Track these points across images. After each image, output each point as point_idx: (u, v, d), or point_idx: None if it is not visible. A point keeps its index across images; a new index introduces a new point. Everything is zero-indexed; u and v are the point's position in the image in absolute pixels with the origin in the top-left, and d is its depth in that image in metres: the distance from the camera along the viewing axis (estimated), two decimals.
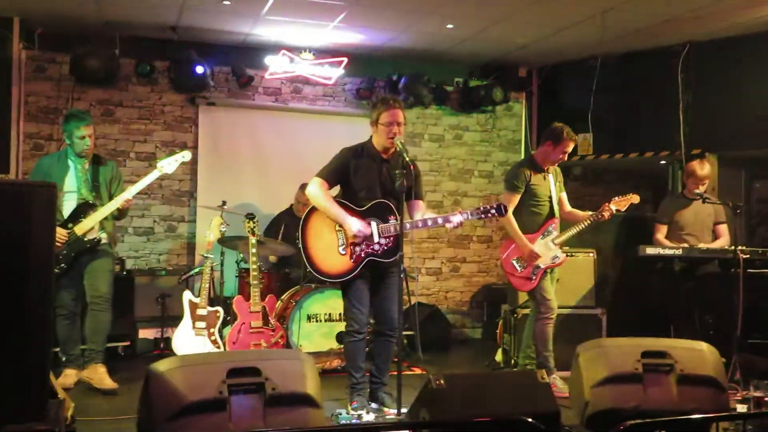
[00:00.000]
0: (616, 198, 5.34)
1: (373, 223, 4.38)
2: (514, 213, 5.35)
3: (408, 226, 4.36)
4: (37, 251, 2.78)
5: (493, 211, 4.40)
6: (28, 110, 6.96)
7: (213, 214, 6.24)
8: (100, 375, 5.06)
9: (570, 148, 5.37)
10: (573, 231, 5.36)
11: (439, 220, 4.39)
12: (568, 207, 5.57)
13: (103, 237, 5.13)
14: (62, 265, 4.97)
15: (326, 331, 5.91)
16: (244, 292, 5.99)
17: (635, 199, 5.36)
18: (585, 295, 6.05)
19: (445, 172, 8.29)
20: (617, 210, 5.31)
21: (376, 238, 4.37)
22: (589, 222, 5.33)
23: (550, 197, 5.39)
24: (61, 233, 4.91)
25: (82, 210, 5.05)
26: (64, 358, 5.15)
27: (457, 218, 4.34)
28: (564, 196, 5.59)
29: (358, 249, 4.38)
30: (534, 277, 5.29)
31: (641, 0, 5.88)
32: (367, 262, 4.39)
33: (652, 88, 7.40)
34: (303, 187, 6.79)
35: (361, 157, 4.49)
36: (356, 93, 7.87)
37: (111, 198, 5.18)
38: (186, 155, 5.39)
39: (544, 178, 5.41)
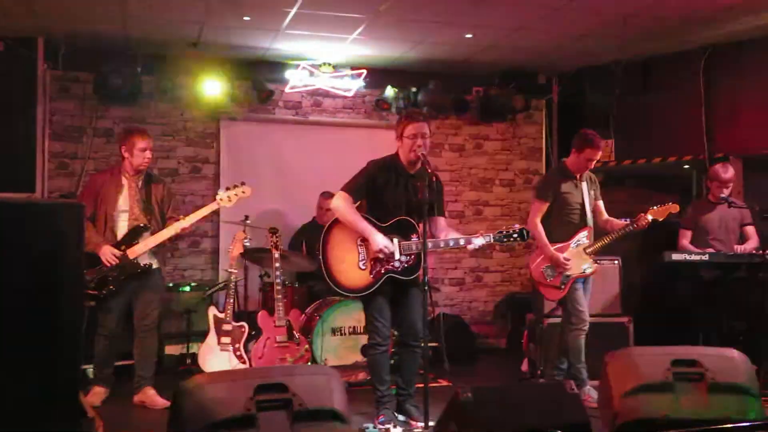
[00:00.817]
0: (654, 207, 5.20)
1: (395, 240, 4.37)
2: (545, 221, 5.33)
3: (430, 245, 4.33)
4: (67, 268, 2.81)
5: (515, 235, 4.40)
6: (53, 129, 7.05)
7: (236, 228, 6.27)
8: (151, 397, 5.15)
9: (595, 156, 5.27)
10: (606, 240, 5.27)
11: (461, 242, 4.41)
12: (605, 215, 5.47)
13: (154, 263, 5.15)
14: (111, 287, 4.98)
15: (351, 344, 5.91)
16: (268, 307, 6.00)
17: (674, 208, 5.22)
18: (611, 303, 5.99)
19: (466, 181, 8.27)
20: (654, 219, 5.17)
21: (397, 255, 4.36)
22: (624, 231, 5.23)
23: (583, 205, 5.32)
24: (113, 253, 4.93)
25: (136, 233, 5.05)
26: (95, 376, 5.18)
27: (479, 241, 4.36)
28: (601, 204, 5.51)
29: (378, 265, 4.38)
30: (563, 287, 5.24)
31: (661, 4, 5.84)
32: (386, 279, 4.38)
33: (674, 92, 7.34)
34: (325, 194, 6.83)
35: (387, 172, 4.48)
36: (376, 104, 7.89)
37: (163, 218, 5.20)
38: (246, 191, 5.33)
39: (576, 185, 5.34)
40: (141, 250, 5.01)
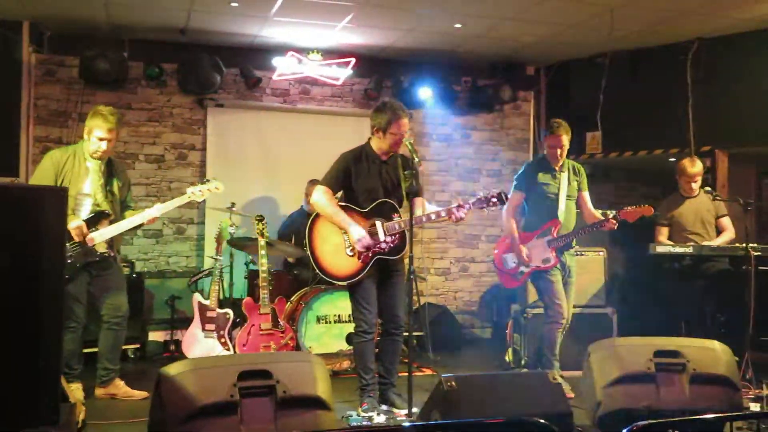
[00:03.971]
0: (628, 208, 5.15)
1: (378, 223, 4.40)
2: (526, 211, 5.37)
3: (414, 222, 4.36)
4: (49, 255, 2.79)
5: (494, 199, 4.42)
6: (37, 113, 7.00)
7: (221, 215, 6.25)
8: (123, 389, 4.93)
9: (554, 142, 5.23)
10: (570, 237, 5.26)
11: (443, 213, 4.41)
12: (589, 207, 5.42)
13: (111, 252, 4.86)
14: (66, 276, 4.61)
15: (336, 332, 5.90)
16: (253, 294, 5.99)
17: (648, 211, 5.18)
18: (595, 294, 6.02)
19: (454, 171, 8.28)
20: (624, 220, 5.12)
21: (382, 237, 4.38)
22: (591, 229, 5.25)
23: (557, 195, 5.29)
24: (82, 229, 4.60)
25: (98, 218, 4.75)
26: (66, 373, 4.69)
27: (460, 212, 4.35)
28: (586, 195, 5.46)
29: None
30: (519, 277, 5.33)
31: None
32: (375, 261, 4.40)
33: (661, 85, 7.36)
34: (312, 182, 6.80)
35: (360, 161, 4.53)
36: (364, 93, 7.87)
37: (122, 204, 4.97)
38: (219, 186, 5.11)
39: (554, 177, 5.33)
40: (100, 238, 4.71)
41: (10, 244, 2.68)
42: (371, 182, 4.49)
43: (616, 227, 5.12)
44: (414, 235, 4.39)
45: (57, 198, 2.95)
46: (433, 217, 4.47)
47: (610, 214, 5.15)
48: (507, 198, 4.53)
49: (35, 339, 2.71)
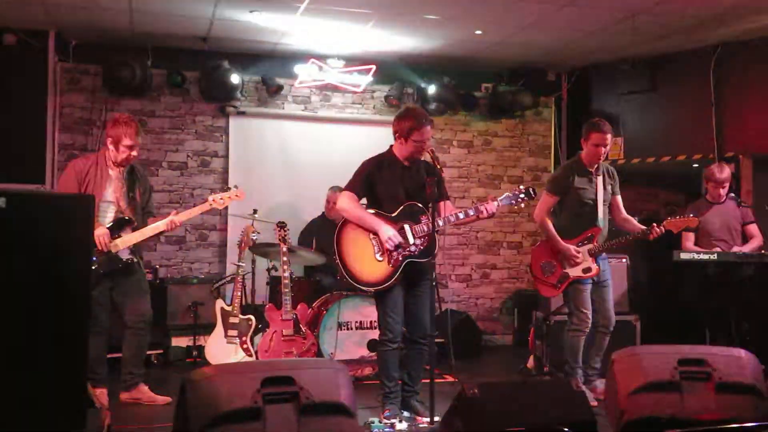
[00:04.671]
0: (671, 218, 5.05)
1: (406, 226, 4.41)
2: (557, 216, 5.27)
3: (441, 223, 4.39)
4: (76, 262, 2.84)
5: (522, 195, 4.45)
6: (63, 121, 7.10)
7: (244, 222, 6.28)
8: (147, 394, 4.96)
9: (602, 140, 5.04)
10: (613, 244, 5.16)
11: (470, 212, 4.43)
12: (623, 212, 5.32)
13: (135, 258, 4.91)
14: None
15: (358, 339, 5.91)
16: (275, 300, 6.02)
17: (693, 222, 5.12)
18: (619, 301, 5.94)
19: (474, 178, 8.27)
20: (668, 231, 5.03)
21: (411, 240, 4.39)
22: (636, 237, 5.15)
23: (596, 202, 5.15)
24: (106, 238, 4.67)
25: (121, 225, 4.81)
26: (91, 378, 4.61)
27: (491, 206, 4.38)
28: (619, 199, 5.34)
29: (395, 253, 4.38)
30: (560, 285, 5.20)
31: (670, 2, 5.81)
32: (405, 265, 4.39)
33: (683, 90, 7.33)
34: (333, 188, 6.83)
35: (382, 168, 4.53)
36: (385, 100, 7.88)
37: (144, 211, 5.02)
38: (240, 193, 5.16)
39: (591, 180, 5.16)
40: (125, 244, 4.79)
41: (40, 251, 2.73)
42: (394, 188, 4.49)
43: (660, 235, 5.02)
44: (436, 240, 4.38)
45: (85, 205, 3.01)
46: (461, 215, 4.45)
47: (656, 226, 5.00)
48: (535, 193, 4.53)
49: (62, 344, 2.75)
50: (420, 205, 4.47)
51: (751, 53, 6.82)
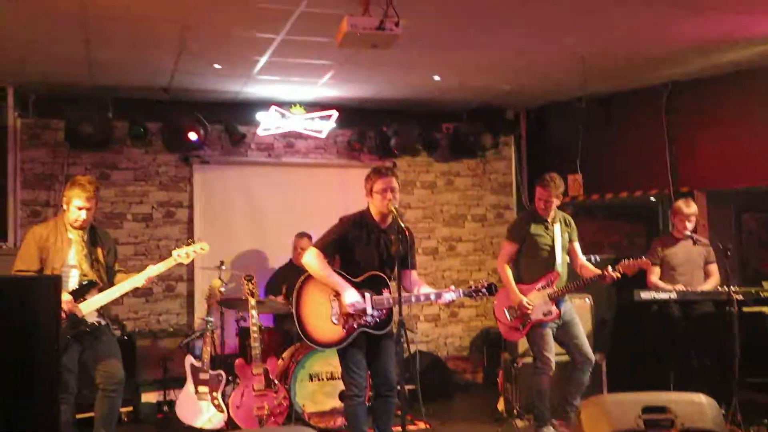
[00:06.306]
0: (625, 261, 5.24)
1: (367, 295, 4.45)
2: (517, 262, 5.46)
3: (402, 300, 4.37)
4: (43, 342, 2.85)
5: (483, 290, 4.57)
6: (24, 177, 7.03)
7: (211, 273, 6.28)
8: None
9: (543, 195, 5.34)
10: (571, 287, 5.34)
11: (432, 296, 4.54)
12: (580, 259, 5.52)
13: (102, 321, 4.85)
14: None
15: (329, 389, 5.92)
16: (245, 354, 6.02)
17: (645, 264, 5.30)
18: None
19: (439, 218, 8.37)
20: (623, 273, 5.21)
21: (369, 311, 4.43)
22: (592, 281, 5.32)
23: (553, 248, 5.39)
24: (71, 304, 4.63)
25: (85, 289, 4.77)
26: None
27: (449, 296, 4.50)
28: (577, 246, 5.55)
29: (351, 320, 4.43)
30: (522, 328, 5.35)
31: (619, 45, 5.99)
32: (359, 333, 4.45)
33: (638, 127, 7.52)
34: (300, 235, 6.89)
35: (358, 228, 4.55)
36: (348, 144, 7.97)
37: (110, 272, 4.98)
38: (204, 247, 5.13)
39: (547, 228, 5.43)
40: (91, 307, 4.74)
41: (7, 333, 2.74)
42: (368, 251, 4.53)
43: (617, 279, 5.21)
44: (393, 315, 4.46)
45: (50, 288, 3.02)
46: (422, 299, 4.55)
47: (611, 269, 5.18)
48: (496, 289, 4.63)
49: (31, 424, 2.75)
50: (384, 276, 4.52)
51: (702, 91, 7.03)
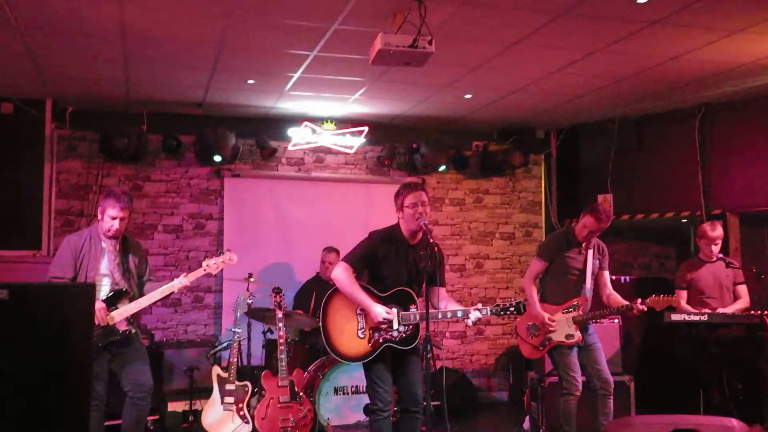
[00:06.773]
0: (654, 296, 5.17)
1: (394, 310, 4.43)
2: (544, 281, 5.43)
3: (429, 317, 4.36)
4: (76, 349, 2.89)
5: (512, 308, 4.45)
6: (59, 187, 7.17)
7: (239, 285, 6.33)
8: None
9: (592, 225, 5.23)
10: (597, 315, 5.29)
11: (459, 314, 4.47)
12: (608, 289, 5.43)
13: (132, 329, 4.92)
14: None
15: (354, 403, 5.92)
16: (271, 366, 6.05)
17: (675, 301, 5.25)
18: (612, 362, 6.00)
19: (467, 235, 8.37)
20: (651, 308, 5.16)
21: (395, 326, 4.42)
22: (618, 312, 5.28)
23: (583, 273, 5.32)
24: (104, 313, 4.71)
25: (117, 297, 4.85)
26: None
27: (476, 314, 4.39)
28: (606, 275, 5.47)
29: (376, 334, 4.44)
30: (542, 348, 5.31)
31: (652, 69, 5.98)
32: (384, 348, 4.45)
33: (670, 149, 7.47)
34: (328, 249, 6.92)
35: (388, 243, 4.54)
36: (377, 160, 8.02)
37: (141, 282, 5.06)
38: (233, 257, 5.20)
39: (580, 252, 5.36)
40: (122, 316, 4.81)
41: (41, 343, 2.79)
42: (396, 267, 4.51)
43: (643, 312, 5.15)
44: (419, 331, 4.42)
45: (85, 296, 3.07)
46: (449, 315, 4.52)
47: (639, 302, 5.11)
48: (524, 308, 4.52)
49: (64, 429, 2.79)
50: (412, 291, 4.49)
51: (734, 113, 6.98)
